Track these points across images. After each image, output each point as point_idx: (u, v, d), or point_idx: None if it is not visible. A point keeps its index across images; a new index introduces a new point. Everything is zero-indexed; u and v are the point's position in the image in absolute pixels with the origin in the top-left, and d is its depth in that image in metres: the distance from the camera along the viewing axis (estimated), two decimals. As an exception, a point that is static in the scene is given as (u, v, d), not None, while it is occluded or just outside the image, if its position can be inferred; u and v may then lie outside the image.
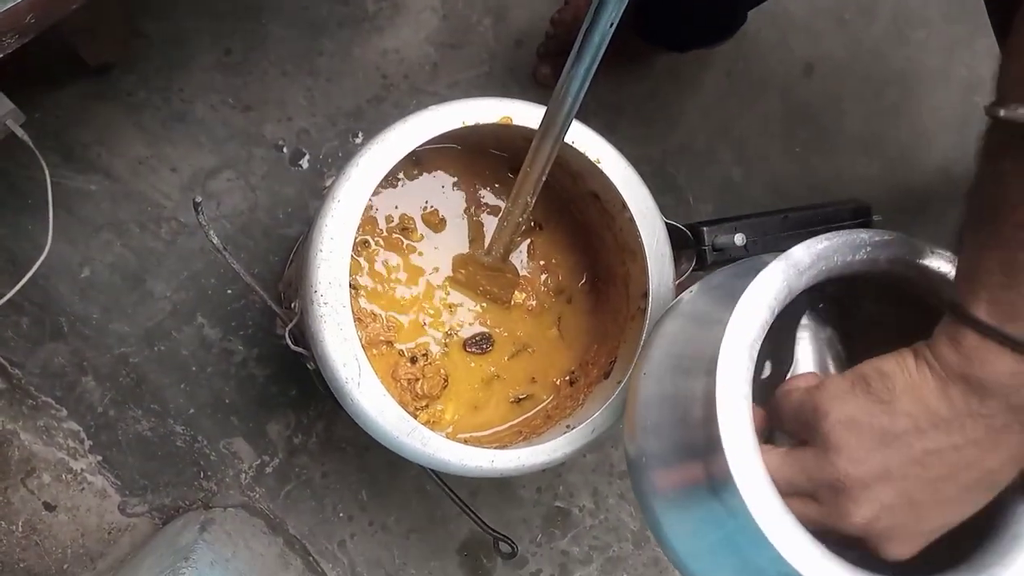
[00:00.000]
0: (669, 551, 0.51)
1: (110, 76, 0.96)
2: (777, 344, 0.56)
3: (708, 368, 0.46)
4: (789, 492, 0.45)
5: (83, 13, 0.62)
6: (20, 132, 0.79)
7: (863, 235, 0.50)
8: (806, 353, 0.58)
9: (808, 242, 0.49)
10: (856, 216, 0.75)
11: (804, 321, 0.58)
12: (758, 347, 0.46)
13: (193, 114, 0.98)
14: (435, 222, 0.73)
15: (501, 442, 0.71)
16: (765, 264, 0.49)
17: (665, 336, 0.54)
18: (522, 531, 1.06)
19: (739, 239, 0.70)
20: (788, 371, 0.57)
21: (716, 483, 0.44)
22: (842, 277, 0.50)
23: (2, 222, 0.93)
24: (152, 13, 0.97)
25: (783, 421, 0.48)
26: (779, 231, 0.72)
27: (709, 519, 0.47)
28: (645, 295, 0.68)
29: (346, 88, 1.02)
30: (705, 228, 0.70)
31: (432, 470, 0.74)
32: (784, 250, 0.73)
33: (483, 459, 0.62)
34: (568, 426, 0.67)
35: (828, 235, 0.49)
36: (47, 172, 0.79)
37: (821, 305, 0.58)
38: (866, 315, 0.57)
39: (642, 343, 0.57)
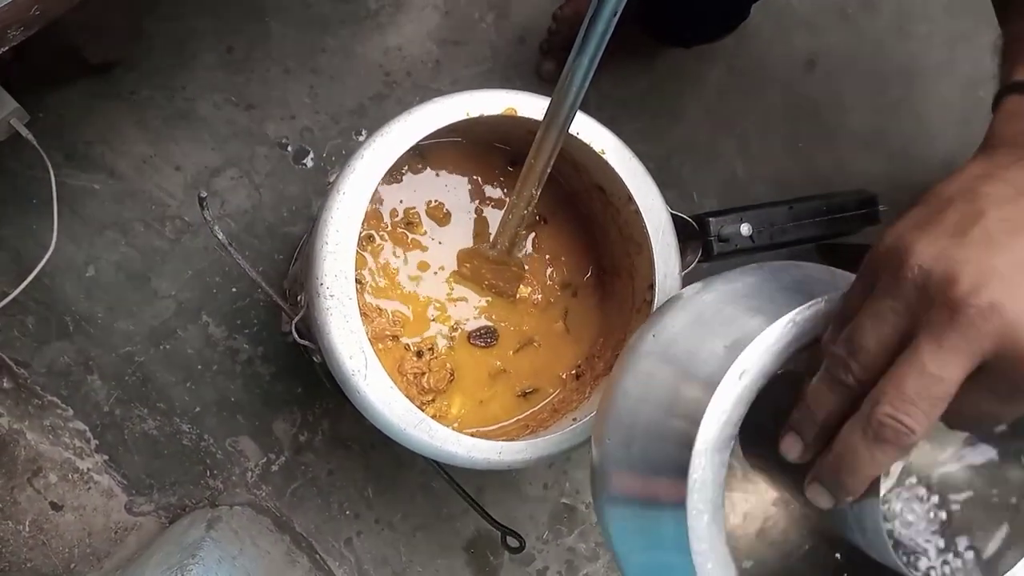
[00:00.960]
0: (616, 559, 0.50)
1: (112, 75, 0.96)
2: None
3: (700, 388, 0.43)
4: (890, 330, 0.37)
5: (87, 10, 0.62)
6: (24, 131, 0.79)
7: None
8: None
9: (790, 315, 0.43)
10: (862, 207, 0.75)
11: None
12: (746, 406, 0.42)
13: (196, 112, 0.98)
14: (440, 216, 0.73)
15: (508, 436, 0.70)
16: (775, 293, 0.46)
17: (661, 335, 0.51)
18: (528, 528, 1.05)
19: (745, 229, 0.70)
20: None
21: (673, 507, 0.42)
22: None
23: (7, 221, 0.93)
24: (154, 12, 0.97)
25: (856, 301, 0.40)
26: (785, 221, 0.72)
27: (656, 538, 0.45)
28: (651, 287, 0.68)
29: (349, 86, 1.02)
30: (711, 219, 0.70)
31: (439, 464, 0.74)
32: (792, 241, 0.73)
33: (490, 451, 0.62)
34: (575, 419, 0.67)
35: (813, 303, 0.43)
36: (51, 171, 0.79)
37: None
38: None
39: (641, 329, 0.52)
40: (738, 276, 0.51)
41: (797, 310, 0.42)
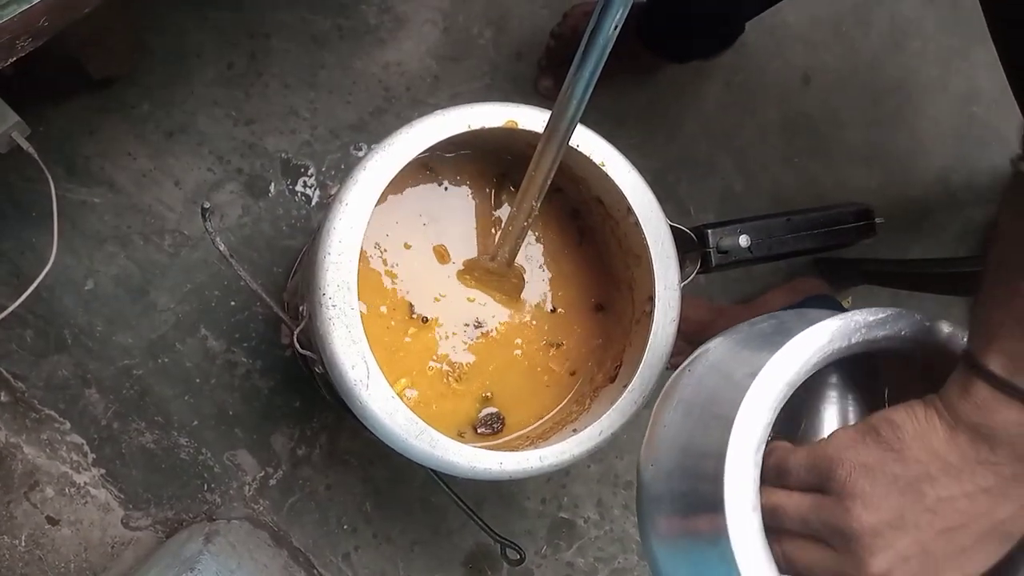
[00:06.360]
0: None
1: (113, 89, 0.96)
2: (804, 406, 0.56)
3: (724, 427, 0.47)
4: (804, 534, 0.46)
5: (90, 25, 0.62)
6: (25, 144, 0.79)
7: (858, 317, 0.50)
8: (831, 416, 0.59)
9: (806, 332, 0.49)
10: (859, 219, 0.75)
11: (833, 381, 0.58)
12: (767, 430, 0.47)
13: (196, 127, 0.99)
14: (443, 253, 0.73)
15: (509, 447, 0.70)
16: (785, 331, 0.49)
17: (689, 384, 0.55)
18: (527, 542, 1.05)
19: (743, 241, 0.71)
20: (815, 432, 0.58)
21: (715, 540, 0.45)
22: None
23: (6, 234, 0.94)
24: (155, 27, 0.98)
25: (790, 476, 0.48)
26: (783, 233, 0.72)
27: (703, 571, 0.48)
28: (651, 299, 0.68)
29: (348, 101, 1.03)
30: (709, 231, 0.71)
31: (439, 476, 0.74)
32: (790, 253, 0.74)
33: (492, 461, 0.62)
34: (575, 430, 0.67)
35: (824, 323, 0.49)
36: (52, 184, 0.79)
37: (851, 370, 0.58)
38: (891, 378, 0.57)
39: (668, 384, 0.58)
40: (755, 323, 0.57)
41: (797, 337, 0.49)
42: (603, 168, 0.67)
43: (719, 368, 0.54)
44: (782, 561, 0.46)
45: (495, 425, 0.72)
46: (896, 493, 0.43)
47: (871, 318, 0.50)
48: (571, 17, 1.03)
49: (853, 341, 0.49)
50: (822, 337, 0.49)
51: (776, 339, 0.49)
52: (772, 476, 0.48)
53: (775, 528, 0.47)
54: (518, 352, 0.75)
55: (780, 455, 0.48)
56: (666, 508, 0.52)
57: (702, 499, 0.47)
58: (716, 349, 0.56)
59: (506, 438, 0.73)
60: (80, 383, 0.95)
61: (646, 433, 0.56)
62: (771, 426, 0.47)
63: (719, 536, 0.45)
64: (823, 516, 0.45)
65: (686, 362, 0.57)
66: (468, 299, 0.74)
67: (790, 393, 0.48)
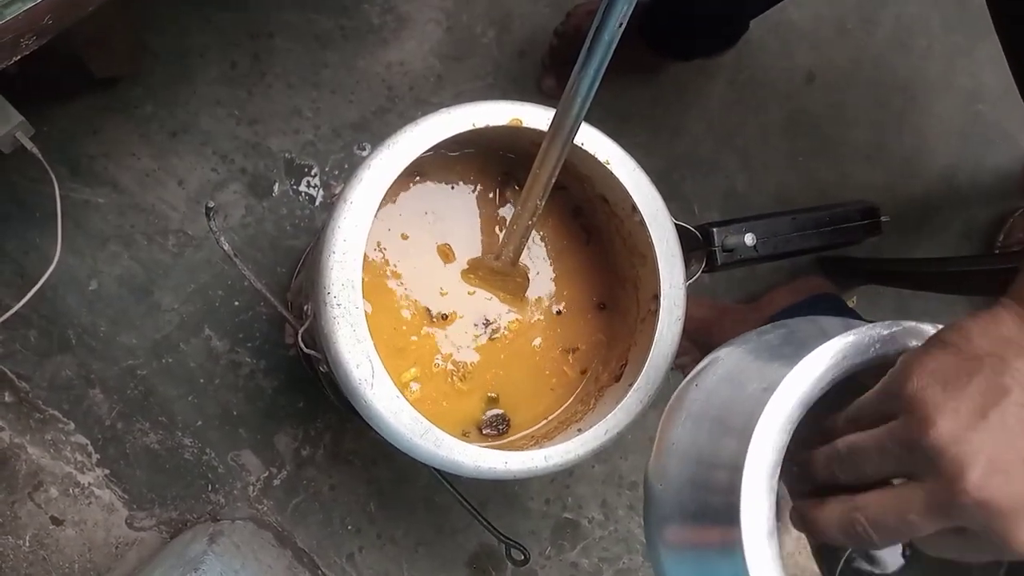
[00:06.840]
0: None
1: (116, 89, 0.96)
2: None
3: (738, 439, 0.46)
4: (890, 471, 0.42)
5: (92, 25, 0.62)
6: (29, 144, 0.79)
7: (872, 332, 0.48)
8: None
9: (822, 348, 0.47)
10: (865, 217, 0.75)
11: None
12: (787, 434, 0.46)
13: (199, 127, 0.99)
14: (447, 252, 0.73)
15: (514, 447, 0.70)
16: (796, 341, 0.49)
17: (698, 399, 0.54)
18: (531, 543, 1.05)
19: (749, 239, 0.70)
20: None
21: (728, 553, 0.44)
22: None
23: (10, 235, 0.94)
24: (159, 27, 0.98)
25: (864, 416, 0.44)
26: (789, 232, 0.72)
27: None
28: (656, 297, 0.68)
29: (351, 100, 1.03)
30: (715, 229, 0.70)
31: (443, 475, 0.74)
32: (796, 251, 0.74)
33: (496, 461, 0.62)
34: (579, 430, 0.67)
35: (840, 337, 0.47)
36: (56, 184, 0.79)
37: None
38: None
39: (677, 391, 0.56)
40: (764, 332, 0.55)
41: (813, 352, 0.47)
42: (608, 166, 0.67)
43: (730, 380, 0.53)
44: (869, 529, 0.41)
45: (500, 427, 0.72)
46: (975, 393, 0.39)
47: (884, 332, 0.48)
48: (574, 16, 1.03)
49: (869, 356, 0.48)
50: (837, 353, 0.47)
51: (786, 350, 0.48)
52: (850, 428, 0.45)
53: (854, 486, 0.43)
54: (527, 352, 0.74)
55: (850, 406, 0.45)
56: (676, 522, 0.51)
57: (714, 511, 0.46)
58: (725, 360, 0.55)
59: (511, 438, 0.73)
60: (84, 383, 0.95)
61: (654, 447, 0.55)
62: (786, 448, 0.46)
63: (733, 549, 0.44)
64: (899, 436, 0.40)
65: (691, 374, 0.56)
66: (472, 297, 0.73)
67: (805, 411, 0.46)
